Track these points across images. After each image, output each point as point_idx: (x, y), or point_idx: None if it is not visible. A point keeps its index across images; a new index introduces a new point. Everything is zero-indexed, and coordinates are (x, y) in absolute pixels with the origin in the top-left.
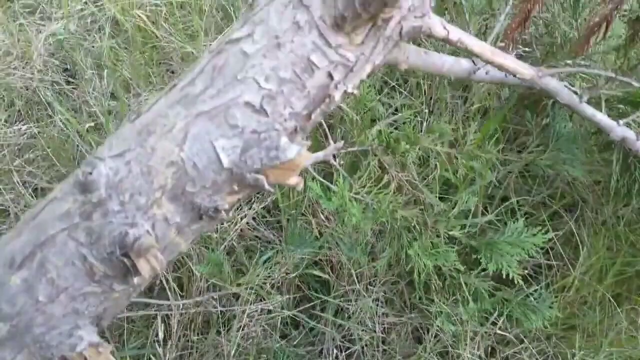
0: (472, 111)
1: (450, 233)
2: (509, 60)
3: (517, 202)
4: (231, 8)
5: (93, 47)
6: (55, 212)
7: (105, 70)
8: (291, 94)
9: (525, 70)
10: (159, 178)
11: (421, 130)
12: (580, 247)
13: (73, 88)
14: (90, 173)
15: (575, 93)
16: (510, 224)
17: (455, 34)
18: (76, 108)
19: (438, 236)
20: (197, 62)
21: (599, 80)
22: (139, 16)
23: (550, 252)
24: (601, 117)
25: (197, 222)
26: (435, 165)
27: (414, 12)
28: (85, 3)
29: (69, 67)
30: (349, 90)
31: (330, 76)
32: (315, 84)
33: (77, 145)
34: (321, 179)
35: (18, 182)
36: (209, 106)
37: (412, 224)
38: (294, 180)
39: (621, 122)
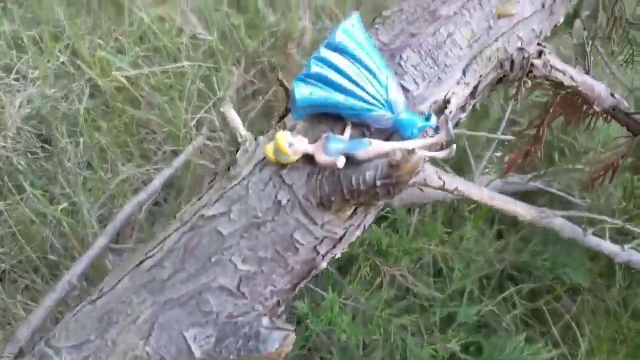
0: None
1: (448, 346)
2: (509, 205)
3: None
4: (214, 79)
5: (70, 109)
6: None
7: (82, 138)
8: (272, 272)
9: (525, 212)
10: None
11: (410, 232)
12: (582, 339)
13: (48, 156)
14: None
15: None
16: (511, 341)
17: (451, 183)
18: (51, 177)
19: (435, 351)
20: (167, 231)
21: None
22: (119, 78)
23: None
24: (606, 246)
25: None
26: (429, 258)
27: None
28: (63, 63)
29: (44, 132)
30: (338, 256)
31: (317, 251)
32: (300, 260)
33: (50, 225)
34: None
35: None
36: (178, 292)
37: (406, 336)
38: None
39: (626, 247)
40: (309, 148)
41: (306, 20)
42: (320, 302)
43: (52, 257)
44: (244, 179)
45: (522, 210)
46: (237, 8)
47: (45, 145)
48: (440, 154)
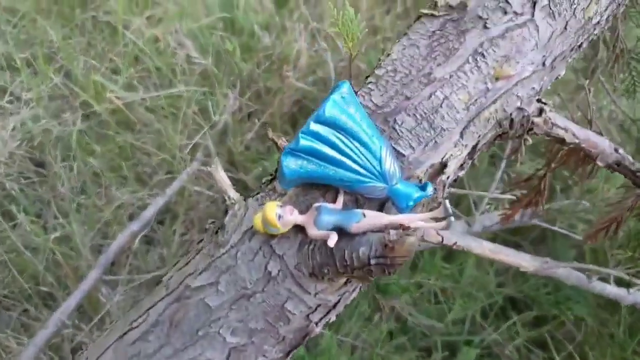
0: None
1: None
2: (511, 257)
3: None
4: (209, 102)
5: (64, 131)
6: None
7: (75, 163)
8: (264, 343)
9: (528, 264)
10: None
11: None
12: None
13: (41, 180)
14: None
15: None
16: None
17: (450, 238)
18: (44, 203)
19: None
20: (153, 298)
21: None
22: (113, 100)
23: None
24: (611, 290)
25: None
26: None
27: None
28: (56, 85)
29: (37, 156)
30: (333, 319)
31: (309, 319)
32: (292, 329)
33: (44, 253)
34: None
35: None
36: None
37: None
38: None
39: (632, 290)
40: (299, 220)
41: (302, 42)
42: (318, 339)
43: (44, 288)
44: (232, 247)
45: (525, 263)
46: (231, 31)
47: (39, 169)
48: (437, 226)
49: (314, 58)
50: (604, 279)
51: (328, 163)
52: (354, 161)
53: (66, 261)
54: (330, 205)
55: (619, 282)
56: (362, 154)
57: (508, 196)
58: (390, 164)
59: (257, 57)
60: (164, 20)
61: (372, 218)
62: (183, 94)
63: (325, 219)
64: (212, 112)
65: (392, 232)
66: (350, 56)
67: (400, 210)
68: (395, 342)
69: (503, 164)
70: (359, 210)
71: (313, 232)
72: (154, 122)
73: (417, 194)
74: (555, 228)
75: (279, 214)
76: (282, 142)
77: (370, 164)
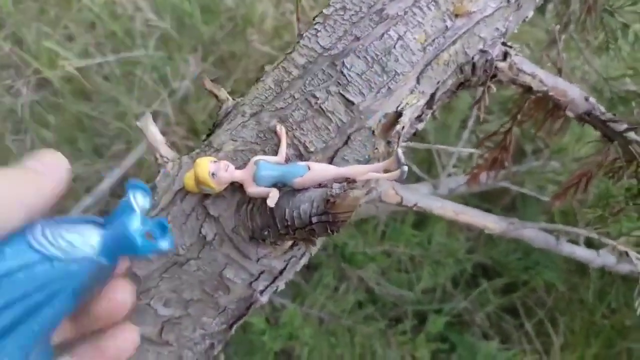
0: None
1: (417, 355)
2: (476, 218)
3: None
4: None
5: (15, 102)
6: None
7: (28, 136)
8: (202, 314)
9: (494, 226)
10: None
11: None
12: (555, 334)
13: None
14: None
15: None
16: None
17: (410, 198)
18: None
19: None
20: None
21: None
22: (68, 69)
23: (524, 339)
24: (580, 253)
25: None
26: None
27: None
28: (6, 54)
29: None
30: (281, 288)
31: (252, 287)
32: (234, 298)
33: None
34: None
35: None
36: None
37: (374, 345)
38: None
39: (601, 251)
40: (236, 176)
41: (266, 4)
42: (280, 312)
43: None
44: (162, 209)
45: (491, 224)
46: None
47: None
48: (390, 177)
49: (280, 20)
50: (574, 242)
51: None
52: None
53: None
54: (272, 159)
55: (589, 245)
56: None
57: (471, 150)
58: None
59: (219, 20)
60: None
61: (317, 171)
62: (141, 59)
63: (265, 174)
64: (172, 78)
65: (335, 185)
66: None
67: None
68: (364, 313)
69: (471, 122)
70: (303, 163)
71: (252, 189)
72: (110, 90)
73: None
74: (525, 190)
75: (212, 170)
76: (222, 94)
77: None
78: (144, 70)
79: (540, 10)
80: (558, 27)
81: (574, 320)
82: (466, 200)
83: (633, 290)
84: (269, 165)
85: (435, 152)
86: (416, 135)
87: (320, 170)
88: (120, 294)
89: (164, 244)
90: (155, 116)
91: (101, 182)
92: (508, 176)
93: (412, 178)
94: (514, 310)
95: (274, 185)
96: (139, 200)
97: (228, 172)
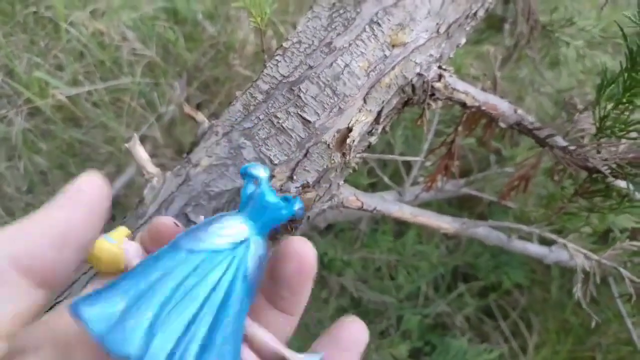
0: None
1: (394, 353)
2: (432, 219)
3: (467, 290)
4: (155, 94)
5: (8, 131)
6: None
7: (21, 162)
8: None
9: (448, 226)
10: None
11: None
12: (529, 333)
13: None
14: None
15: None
16: (453, 342)
17: (370, 203)
18: None
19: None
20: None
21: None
22: (58, 97)
23: (501, 340)
24: (533, 249)
25: None
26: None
27: (321, 200)
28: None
29: None
30: None
31: None
32: None
33: None
34: None
35: None
36: None
37: None
38: None
39: (553, 248)
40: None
41: (246, 30)
42: None
43: None
44: (150, 217)
45: (446, 224)
46: (174, 20)
47: None
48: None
49: (260, 46)
50: (527, 240)
51: None
52: None
53: None
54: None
55: (546, 244)
56: None
57: (417, 158)
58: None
59: (202, 47)
60: (107, 13)
61: None
62: (129, 86)
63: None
64: (159, 103)
65: (292, 188)
66: (260, 32)
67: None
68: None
69: (430, 135)
70: None
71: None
72: (100, 116)
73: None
74: (484, 195)
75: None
76: (200, 117)
77: None
78: (131, 97)
79: (499, 30)
80: (492, 49)
81: (547, 319)
82: (442, 208)
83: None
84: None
85: (401, 163)
86: (383, 149)
87: None
88: (300, 246)
89: (299, 205)
90: (144, 140)
91: None
92: (469, 183)
93: (382, 187)
94: (492, 313)
95: None
96: (260, 172)
97: (130, 253)
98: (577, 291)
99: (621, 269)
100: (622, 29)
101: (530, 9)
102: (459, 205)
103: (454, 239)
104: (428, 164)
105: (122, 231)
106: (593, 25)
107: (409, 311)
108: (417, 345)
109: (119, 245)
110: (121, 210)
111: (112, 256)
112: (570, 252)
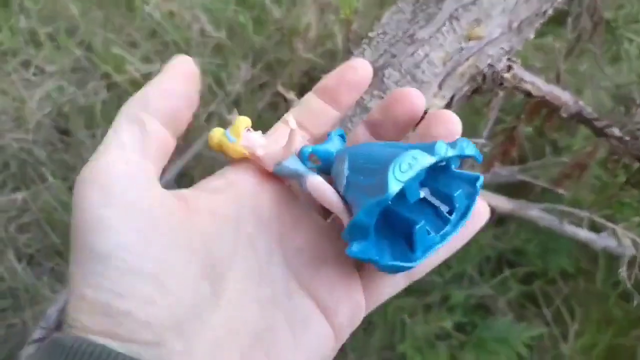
0: None
1: (442, 325)
2: (488, 197)
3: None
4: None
5: (88, 101)
6: None
7: (99, 131)
8: None
9: (504, 205)
10: None
11: None
12: (571, 321)
13: (66, 148)
14: None
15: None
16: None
17: None
18: (70, 168)
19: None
20: None
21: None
22: (132, 73)
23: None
24: (583, 234)
25: None
26: None
27: None
28: (78, 59)
29: (62, 125)
30: None
31: None
32: None
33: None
34: None
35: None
36: None
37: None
38: None
39: (603, 234)
40: (260, 150)
41: (311, 16)
42: None
43: None
44: None
45: (502, 203)
46: (244, 5)
47: (64, 137)
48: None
49: (323, 30)
50: (578, 225)
51: None
52: None
53: None
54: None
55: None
56: None
57: (480, 140)
58: None
59: (268, 30)
60: None
61: (322, 191)
62: (198, 65)
63: (290, 166)
64: (226, 82)
65: None
66: (347, 24)
67: None
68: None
69: (490, 123)
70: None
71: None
72: None
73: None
74: (539, 182)
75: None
76: (290, 95)
77: None
78: (201, 75)
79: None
80: (557, 44)
81: (590, 309)
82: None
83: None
84: (297, 161)
85: None
86: None
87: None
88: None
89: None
90: (211, 116)
91: (164, 174)
92: (524, 170)
93: None
94: (535, 299)
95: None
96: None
97: (250, 142)
98: (623, 272)
99: None
100: None
101: (595, 5)
102: (511, 193)
103: (502, 227)
104: (486, 149)
105: (241, 122)
106: None
107: (453, 291)
108: (462, 320)
109: (238, 143)
110: (189, 182)
111: (232, 153)
112: (618, 237)
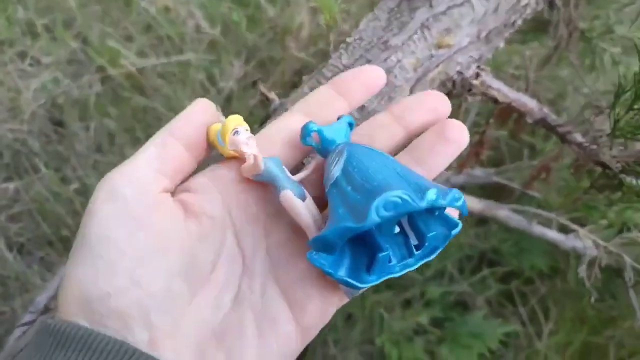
0: None
1: (418, 320)
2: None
3: (491, 274)
4: (216, 70)
5: (82, 93)
6: None
7: (92, 123)
8: None
9: (475, 205)
10: None
11: None
12: (545, 320)
13: (60, 139)
14: None
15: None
16: (471, 315)
17: None
18: (63, 159)
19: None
20: None
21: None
22: (127, 67)
23: (518, 321)
24: (551, 235)
25: None
26: None
27: None
28: (74, 51)
29: (57, 116)
30: None
31: None
32: None
33: (64, 203)
34: None
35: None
36: None
37: (382, 310)
38: None
39: (570, 236)
40: (246, 150)
41: (303, 16)
42: None
43: (65, 233)
44: None
45: (472, 203)
46: (238, 2)
47: (58, 129)
48: None
49: (315, 30)
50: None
51: None
52: None
53: (84, 210)
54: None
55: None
56: None
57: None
58: None
59: (262, 28)
60: None
61: (295, 208)
62: (192, 61)
63: (271, 167)
64: (219, 79)
65: None
66: (327, 27)
67: None
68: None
69: (467, 125)
70: (302, 190)
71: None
72: (164, 87)
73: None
74: (512, 184)
75: (237, 130)
76: (272, 95)
77: None
78: (194, 71)
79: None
80: (528, 52)
81: (564, 308)
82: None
83: (612, 278)
84: (279, 164)
85: None
86: None
87: (294, 207)
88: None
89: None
90: None
91: None
92: (500, 172)
93: None
94: (512, 298)
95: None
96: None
97: (236, 146)
98: (582, 272)
99: (625, 256)
100: None
101: (570, 16)
102: (489, 195)
103: (483, 227)
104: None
105: (231, 122)
106: (630, 34)
107: (432, 288)
108: (438, 315)
109: (227, 146)
110: None
111: (223, 153)
112: (581, 238)
